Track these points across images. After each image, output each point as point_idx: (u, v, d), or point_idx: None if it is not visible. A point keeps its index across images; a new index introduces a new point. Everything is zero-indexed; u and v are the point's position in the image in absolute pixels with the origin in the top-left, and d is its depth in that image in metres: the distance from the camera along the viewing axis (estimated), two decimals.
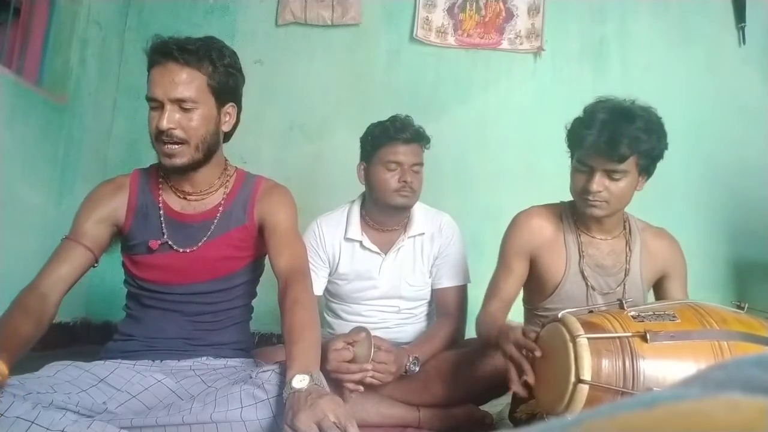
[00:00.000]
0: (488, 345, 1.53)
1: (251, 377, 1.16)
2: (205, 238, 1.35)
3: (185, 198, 1.37)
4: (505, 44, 2.99)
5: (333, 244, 1.85)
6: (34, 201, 2.43)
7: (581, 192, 1.49)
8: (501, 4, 3.01)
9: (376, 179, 1.80)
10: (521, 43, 2.98)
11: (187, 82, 1.26)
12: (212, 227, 1.36)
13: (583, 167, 1.48)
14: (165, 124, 1.24)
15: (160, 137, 1.26)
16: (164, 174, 1.39)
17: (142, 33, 3.08)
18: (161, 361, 1.31)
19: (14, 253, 2.23)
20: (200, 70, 1.28)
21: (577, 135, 1.48)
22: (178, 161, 1.28)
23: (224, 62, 1.31)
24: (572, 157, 1.54)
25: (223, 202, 1.38)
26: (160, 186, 1.38)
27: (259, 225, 1.40)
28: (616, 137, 1.39)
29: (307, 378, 1.06)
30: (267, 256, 1.41)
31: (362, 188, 1.91)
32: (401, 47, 3.04)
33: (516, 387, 1.23)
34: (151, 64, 1.28)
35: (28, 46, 2.55)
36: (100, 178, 2.81)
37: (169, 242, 1.34)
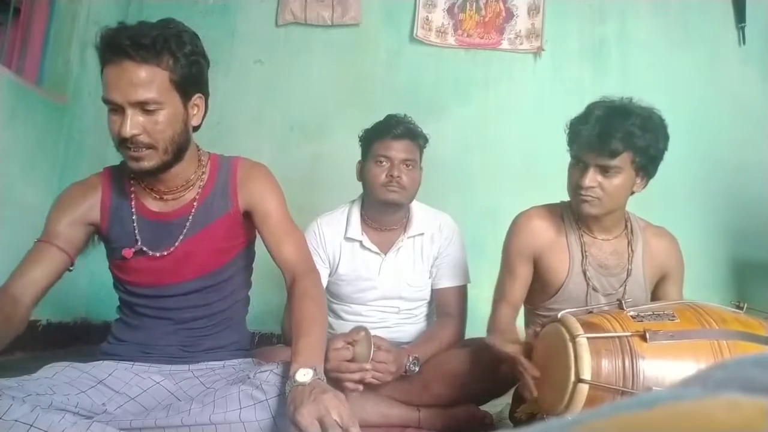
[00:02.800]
0: (499, 358, 1.52)
1: (249, 378, 1.16)
2: (181, 237, 1.28)
3: (161, 198, 1.30)
4: (505, 44, 2.98)
5: (333, 243, 1.85)
6: (34, 201, 2.43)
7: (575, 187, 1.49)
8: (501, 4, 3.01)
9: (367, 174, 1.82)
10: (521, 43, 2.98)
11: (147, 81, 1.13)
12: (188, 224, 1.28)
13: (577, 162, 1.49)
14: (128, 130, 1.12)
15: (124, 143, 1.15)
16: (135, 174, 1.29)
17: None
18: (158, 364, 1.29)
19: (14, 253, 2.22)
20: (160, 66, 1.15)
21: (574, 130, 1.49)
22: (147, 164, 1.18)
23: (185, 51, 1.18)
24: (571, 154, 1.55)
25: (198, 195, 1.31)
26: (132, 187, 1.30)
27: (245, 210, 1.35)
28: (608, 131, 1.40)
29: (310, 372, 1.05)
30: (265, 245, 1.35)
31: (362, 188, 1.91)
32: (401, 47, 3.04)
33: (529, 393, 1.24)
34: (105, 62, 1.16)
35: (28, 46, 2.55)
36: None
37: (144, 248, 1.26)
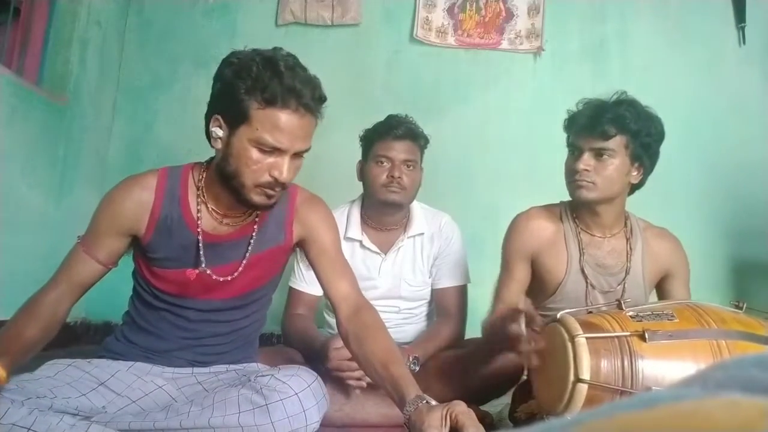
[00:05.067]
0: (494, 342, 1.51)
1: (250, 381, 1.15)
2: (245, 261, 1.26)
3: (219, 221, 1.26)
4: (505, 44, 2.98)
5: None
6: (34, 201, 2.43)
7: (570, 174, 1.52)
8: (501, 4, 3.00)
9: (367, 174, 1.82)
10: (521, 43, 2.98)
11: (311, 133, 1.17)
12: (250, 247, 1.27)
13: (573, 150, 1.53)
14: (288, 176, 1.15)
15: (267, 183, 1.15)
16: (204, 191, 1.26)
17: (142, 33, 3.08)
18: (161, 365, 1.27)
19: (14, 253, 2.23)
20: (317, 119, 1.18)
21: (569, 120, 1.55)
22: (274, 202, 1.20)
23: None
24: (567, 145, 1.58)
25: (258, 219, 1.29)
26: (199, 207, 1.25)
27: (298, 242, 1.34)
28: (600, 114, 1.46)
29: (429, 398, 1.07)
30: (319, 277, 1.34)
31: (362, 188, 1.91)
32: (401, 47, 3.03)
33: (533, 360, 1.20)
34: (277, 104, 1.10)
35: (28, 46, 2.55)
36: (100, 178, 2.83)
37: (208, 271, 1.24)
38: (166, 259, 1.25)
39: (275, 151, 1.13)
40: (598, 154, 1.47)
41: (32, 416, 0.97)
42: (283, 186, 1.17)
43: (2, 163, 2.22)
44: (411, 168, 1.80)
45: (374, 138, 1.82)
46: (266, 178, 1.14)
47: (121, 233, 1.24)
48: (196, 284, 1.24)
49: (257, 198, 1.17)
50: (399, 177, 1.76)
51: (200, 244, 1.24)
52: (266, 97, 1.10)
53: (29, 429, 0.96)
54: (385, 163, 1.78)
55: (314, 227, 1.33)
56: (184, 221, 1.25)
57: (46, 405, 1.00)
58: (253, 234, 1.28)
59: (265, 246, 1.29)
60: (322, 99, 1.16)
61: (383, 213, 1.85)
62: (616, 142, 1.46)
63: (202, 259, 1.23)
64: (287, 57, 1.15)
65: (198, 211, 1.25)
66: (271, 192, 1.17)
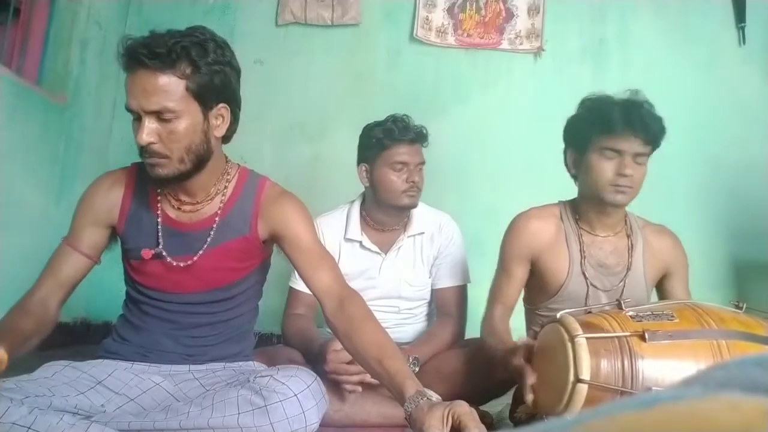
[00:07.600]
0: (495, 361, 1.52)
1: (249, 381, 1.15)
2: (201, 252, 1.26)
3: (179, 208, 1.28)
4: (505, 44, 2.98)
5: (333, 244, 1.85)
6: (34, 201, 2.42)
7: (611, 180, 1.46)
8: (501, 4, 3.00)
9: (382, 181, 1.79)
10: (521, 43, 2.98)
11: (161, 90, 1.11)
12: (209, 238, 1.27)
13: (611, 154, 1.46)
14: (144, 138, 1.13)
15: (142, 150, 1.16)
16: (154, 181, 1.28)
17: (142, 33, 3.07)
18: (158, 364, 1.28)
19: (14, 253, 2.23)
20: (175, 74, 1.12)
21: (597, 121, 1.46)
22: (162, 172, 1.17)
23: (207, 60, 1.15)
24: (577, 150, 1.54)
25: (220, 210, 1.28)
26: (158, 189, 1.28)
27: (269, 236, 1.32)
28: (646, 119, 1.43)
29: (432, 393, 1.06)
30: (298, 272, 1.33)
31: (362, 188, 1.91)
32: (401, 47, 3.03)
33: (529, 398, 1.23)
34: (125, 70, 1.15)
35: (28, 46, 2.55)
36: None
37: (163, 252, 1.25)
38: (138, 249, 1.28)
39: (137, 116, 1.15)
40: (637, 157, 1.45)
41: (32, 415, 0.97)
42: (152, 152, 1.15)
43: (2, 163, 2.22)
44: (421, 170, 1.82)
45: (386, 143, 1.78)
46: (137, 144, 1.16)
47: (98, 224, 1.29)
48: (161, 273, 1.27)
49: (148, 168, 1.19)
50: (418, 181, 1.78)
51: (159, 227, 1.27)
52: (123, 70, 1.16)
53: (29, 428, 0.96)
54: (401, 169, 1.78)
55: (282, 221, 1.30)
56: (150, 209, 1.29)
57: (45, 404, 1.01)
58: (214, 225, 1.28)
59: (229, 236, 1.29)
60: (155, 52, 1.10)
61: (390, 215, 1.85)
62: (650, 148, 1.47)
63: (160, 241, 1.26)
64: (161, 32, 1.16)
65: (158, 193, 1.29)
66: (146, 160, 1.18)
